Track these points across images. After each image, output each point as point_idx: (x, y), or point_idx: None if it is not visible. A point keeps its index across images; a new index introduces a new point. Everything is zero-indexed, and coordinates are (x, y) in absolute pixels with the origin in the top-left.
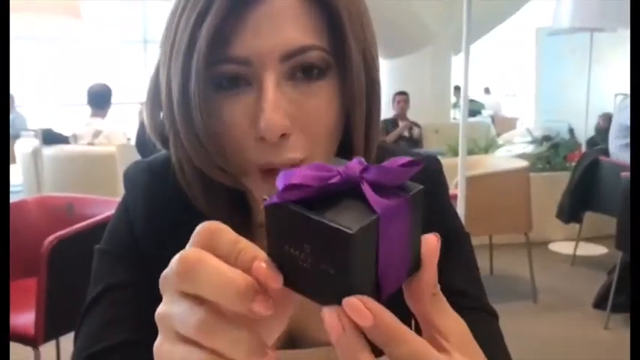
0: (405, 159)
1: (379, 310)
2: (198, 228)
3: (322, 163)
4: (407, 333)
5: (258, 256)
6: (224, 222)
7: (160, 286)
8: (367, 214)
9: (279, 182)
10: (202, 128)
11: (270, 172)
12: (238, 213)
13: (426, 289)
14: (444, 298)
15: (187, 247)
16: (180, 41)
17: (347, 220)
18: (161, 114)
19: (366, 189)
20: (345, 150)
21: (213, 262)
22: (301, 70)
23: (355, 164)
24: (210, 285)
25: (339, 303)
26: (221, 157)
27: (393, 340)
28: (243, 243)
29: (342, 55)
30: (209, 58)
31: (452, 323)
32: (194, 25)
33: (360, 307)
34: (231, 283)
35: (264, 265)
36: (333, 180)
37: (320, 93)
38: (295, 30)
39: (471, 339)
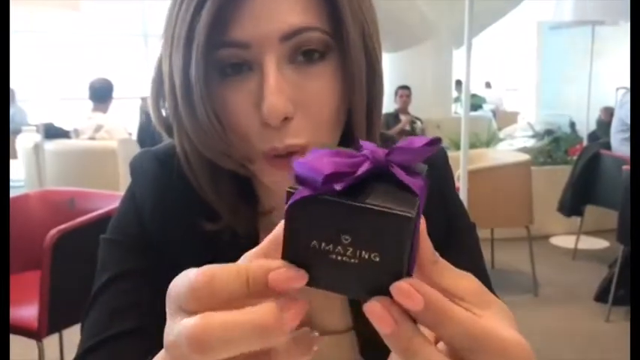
0: (424, 139)
1: (429, 291)
2: (185, 287)
3: (338, 149)
4: (459, 312)
5: (269, 266)
6: (230, 211)
7: (170, 355)
8: (407, 196)
9: (300, 170)
10: (204, 114)
11: (274, 157)
12: (245, 201)
13: (425, 258)
14: (447, 263)
15: (182, 307)
16: (180, 29)
17: (395, 204)
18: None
19: (398, 171)
20: (346, 136)
21: (224, 319)
22: (302, 54)
23: (375, 147)
24: (237, 345)
25: (379, 292)
26: (224, 142)
27: (445, 321)
28: (244, 268)
29: (341, 37)
30: (209, 44)
31: (463, 283)
32: (194, 13)
33: (412, 291)
34: (257, 328)
35: (282, 271)
36: (365, 167)
37: (321, 76)
38: (293, 11)
39: (486, 292)
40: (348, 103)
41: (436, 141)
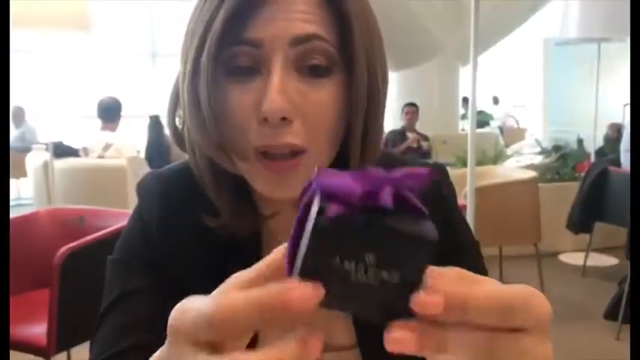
0: (425, 168)
1: (443, 283)
2: (202, 321)
3: (347, 171)
4: (477, 288)
5: (284, 289)
6: (232, 214)
7: None
8: (424, 220)
9: (326, 184)
10: (207, 101)
11: (266, 157)
12: (245, 205)
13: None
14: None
15: (200, 339)
16: (198, 26)
17: (420, 227)
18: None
19: (411, 197)
20: (341, 156)
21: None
22: (309, 67)
23: (387, 172)
24: None
25: (392, 314)
26: (222, 137)
27: (470, 302)
28: (258, 296)
29: (347, 55)
30: (223, 40)
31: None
32: (212, 11)
33: (429, 299)
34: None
35: (300, 288)
36: (388, 190)
37: (324, 88)
38: (306, 20)
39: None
40: (347, 121)
41: (438, 168)
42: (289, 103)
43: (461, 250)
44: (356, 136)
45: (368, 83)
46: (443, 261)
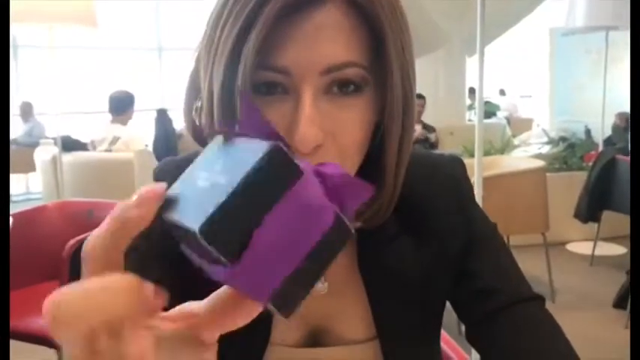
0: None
1: None
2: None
3: None
4: None
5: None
6: None
7: None
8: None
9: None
10: None
11: None
12: None
13: None
14: None
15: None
16: (224, 47)
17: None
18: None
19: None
20: (376, 165)
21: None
22: (337, 85)
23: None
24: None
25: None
26: None
27: None
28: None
29: (382, 74)
30: (254, 65)
31: None
32: (239, 32)
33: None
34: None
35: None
36: None
37: (353, 107)
38: (337, 45)
39: None
40: (382, 134)
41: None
42: (320, 129)
43: (478, 242)
44: (392, 147)
45: (402, 92)
46: (463, 250)
